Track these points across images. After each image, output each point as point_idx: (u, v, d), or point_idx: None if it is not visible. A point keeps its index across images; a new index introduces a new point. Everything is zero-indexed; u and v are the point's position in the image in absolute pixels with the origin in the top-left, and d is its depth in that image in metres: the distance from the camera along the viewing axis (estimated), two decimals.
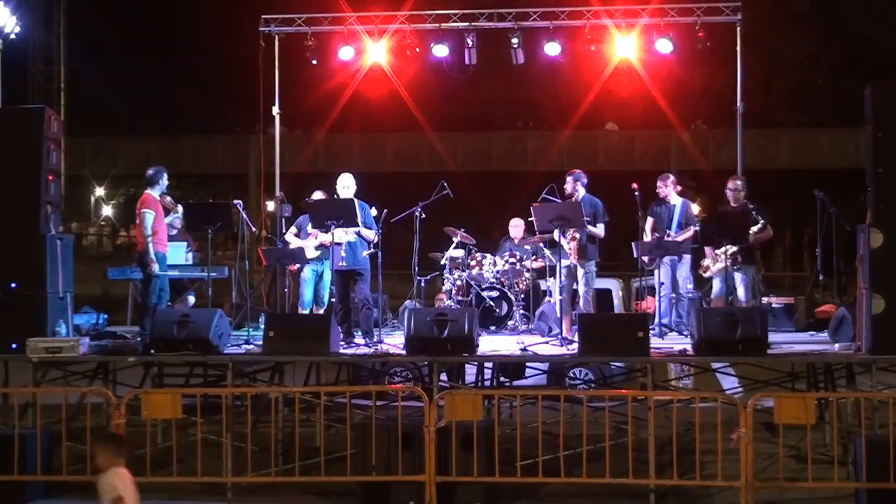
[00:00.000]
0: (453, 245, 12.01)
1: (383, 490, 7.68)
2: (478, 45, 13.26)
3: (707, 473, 7.65)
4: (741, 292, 10.31)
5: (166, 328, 8.74)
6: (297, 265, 10.88)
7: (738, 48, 12.72)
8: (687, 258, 10.82)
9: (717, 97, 15.35)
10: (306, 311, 10.72)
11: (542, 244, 11.71)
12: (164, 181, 10.08)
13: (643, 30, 12.72)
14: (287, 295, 11.13)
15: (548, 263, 11.61)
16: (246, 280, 10.88)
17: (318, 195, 10.99)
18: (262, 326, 8.98)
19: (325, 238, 10.38)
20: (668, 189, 11.04)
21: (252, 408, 8.49)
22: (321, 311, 10.90)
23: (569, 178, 10.65)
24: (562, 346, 9.38)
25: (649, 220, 10.95)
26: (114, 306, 14.23)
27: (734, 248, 10.06)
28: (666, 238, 10.78)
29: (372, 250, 10.11)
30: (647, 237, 10.85)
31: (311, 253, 10.65)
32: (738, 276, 10.35)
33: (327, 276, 10.94)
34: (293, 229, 11.02)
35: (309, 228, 10.80)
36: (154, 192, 9.74)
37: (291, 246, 10.84)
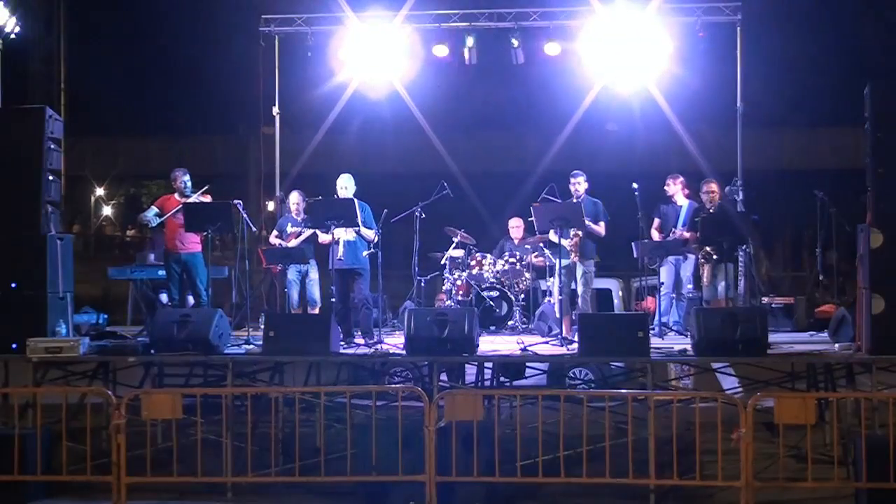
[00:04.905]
0: (453, 245, 12.02)
1: (383, 490, 7.68)
2: (478, 45, 13.28)
3: (707, 473, 7.65)
4: (720, 289, 10.35)
5: (166, 328, 8.75)
6: (280, 266, 10.92)
7: (739, 48, 12.73)
8: (691, 258, 10.84)
9: (717, 97, 15.34)
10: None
11: (541, 244, 11.71)
12: (178, 182, 10.58)
13: (643, 29, 12.73)
14: (287, 295, 11.12)
15: (547, 263, 11.62)
16: (246, 280, 10.89)
17: (294, 195, 11.03)
18: (262, 326, 8.99)
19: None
20: (676, 189, 11.06)
21: (252, 408, 8.49)
22: (314, 311, 10.93)
23: (573, 179, 10.66)
24: (562, 346, 9.38)
25: (656, 221, 10.99)
26: (114, 306, 14.23)
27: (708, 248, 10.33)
28: (671, 236, 10.81)
29: (372, 250, 10.13)
30: (655, 236, 10.88)
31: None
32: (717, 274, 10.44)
33: (313, 276, 10.97)
34: (274, 232, 11.07)
35: (289, 229, 10.85)
36: (175, 195, 10.58)
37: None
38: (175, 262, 10.59)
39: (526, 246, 11.96)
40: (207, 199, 10.58)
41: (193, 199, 10.48)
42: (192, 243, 10.49)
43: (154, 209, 10.61)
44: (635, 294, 13.25)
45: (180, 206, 10.34)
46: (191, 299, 10.89)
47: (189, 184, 10.60)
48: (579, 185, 10.63)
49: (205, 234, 9.96)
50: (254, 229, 11.54)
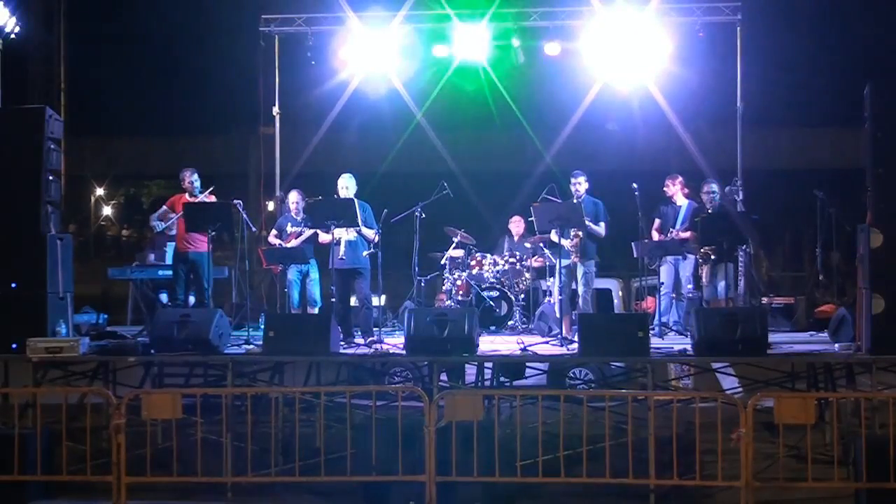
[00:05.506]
0: (453, 245, 12.02)
1: (383, 490, 7.69)
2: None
3: (707, 473, 7.65)
4: (720, 289, 10.35)
5: (166, 328, 8.75)
6: (280, 266, 10.94)
7: (738, 48, 12.73)
8: (691, 258, 10.84)
9: (717, 97, 15.35)
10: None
11: (541, 244, 11.71)
12: (186, 182, 10.62)
13: (643, 29, 12.73)
14: (287, 295, 11.13)
15: (547, 263, 11.62)
16: (246, 280, 10.90)
17: (293, 195, 11.05)
18: (262, 326, 8.99)
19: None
20: (675, 189, 11.07)
21: (252, 408, 8.49)
22: (314, 311, 10.93)
23: (574, 179, 10.66)
24: (562, 346, 9.38)
25: (656, 221, 11.01)
26: (114, 306, 14.21)
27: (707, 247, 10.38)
28: (669, 235, 10.81)
29: (372, 250, 10.13)
30: (655, 237, 10.90)
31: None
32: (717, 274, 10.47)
33: (314, 275, 10.99)
34: (273, 231, 11.09)
35: (288, 229, 10.86)
36: (185, 195, 10.61)
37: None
38: (182, 262, 10.61)
39: (526, 245, 11.97)
40: (212, 199, 10.61)
41: (200, 198, 10.51)
42: (201, 242, 10.47)
43: (165, 209, 10.68)
44: (635, 294, 13.26)
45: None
46: (191, 299, 10.90)
47: (197, 183, 10.65)
48: (580, 185, 10.63)
49: (206, 233, 9.97)
50: (253, 229, 11.54)
